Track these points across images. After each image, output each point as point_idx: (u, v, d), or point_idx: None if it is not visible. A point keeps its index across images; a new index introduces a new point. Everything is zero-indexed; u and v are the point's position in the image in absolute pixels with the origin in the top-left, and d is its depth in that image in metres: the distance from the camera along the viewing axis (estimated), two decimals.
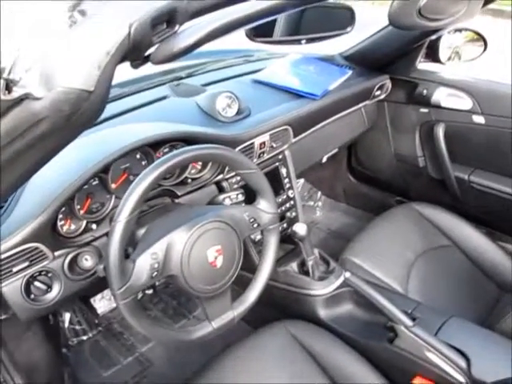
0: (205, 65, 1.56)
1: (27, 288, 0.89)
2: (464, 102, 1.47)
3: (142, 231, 0.88)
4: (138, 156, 1.03)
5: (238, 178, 1.20)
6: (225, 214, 0.88)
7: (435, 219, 1.43)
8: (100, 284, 0.88)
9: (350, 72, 1.52)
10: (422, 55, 1.55)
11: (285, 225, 1.38)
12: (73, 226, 0.95)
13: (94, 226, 0.98)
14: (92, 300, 1.57)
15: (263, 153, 1.25)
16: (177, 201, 1.11)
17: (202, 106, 1.22)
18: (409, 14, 0.99)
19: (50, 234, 0.87)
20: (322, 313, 1.15)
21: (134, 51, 0.42)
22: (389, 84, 1.62)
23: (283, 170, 1.36)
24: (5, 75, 0.41)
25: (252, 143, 1.20)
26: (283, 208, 1.37)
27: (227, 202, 1.12)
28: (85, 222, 0.96)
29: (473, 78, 1.49)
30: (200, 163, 1.16)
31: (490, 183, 1.48)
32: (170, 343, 0.87)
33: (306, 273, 1.18)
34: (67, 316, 1.54)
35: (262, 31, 1.22)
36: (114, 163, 0.95)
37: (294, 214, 1.41)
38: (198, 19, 0.47)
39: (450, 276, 1.32)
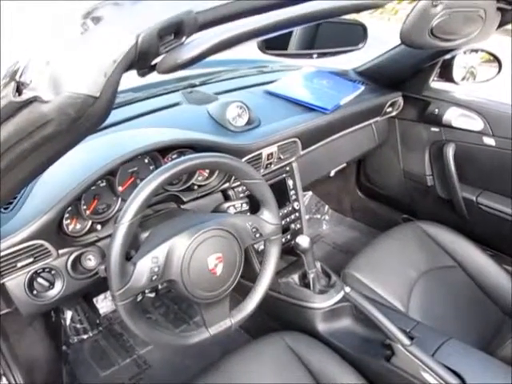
0: (219, 73, 1.58)
1: (30, 284, 0.90)
2: (475, 123, 1.46)
3: (145, 235, 0.90)
4: (146, 160, 1.05)
5: (244, 187, 1.21)
6: (227, 223, 0.88)
7: (440, 239, 1.42)
8: (103, 284, 0.90)
9: (362, 87, 1.53)
10: (435, 74, 1.55)
11: (289, 236, 1.38)
12: (78, 226, 0.97)
13: (98, 227, 0.99)
14: (95, 300, 1.58)
15: (270, 164, 1.26)
16: (182, 207, 1.12)
17: (212, 115, 1.23)
18: (421, 33, 1.00)
19: (55, 232, 0.89)
20: (321, 326, 1.15)
21: (140, 60, 0.43)
22: (401, 101, 1.62)
23: (290, 182, 1.37)
24: (16, 78, 0.43)
25: (260, 154, 1.21)
26: (288, 219, 1.37)
27: (231, 210, 1.13)
28: (90, 223, 0.98)
29: (485, 100, 1.48)
30: (207, 171, 1.17)
31: (498, 206, 1.47)
32: (165, 346, 0.87)
33: (307, 285, 1.18)
34: (69, 314, 1.56)
35: (276, 44, 1.24)
36: (122, 166, 0.96)
37: (298, 226, 1.41)
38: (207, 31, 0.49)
39: (453, 297, 1.30)
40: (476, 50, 1.51)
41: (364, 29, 1.30)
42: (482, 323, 1.26)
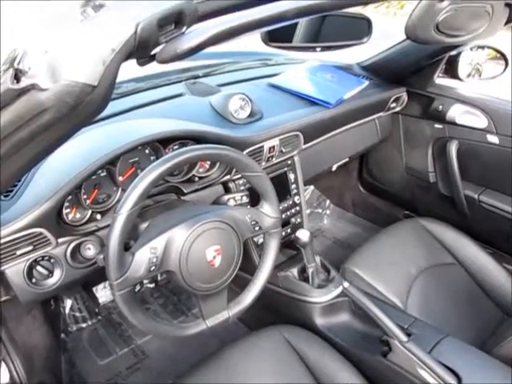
0: (223, 65, 1.57)
1: (29, 272, 0.91)
2: (479, 121, 1.45)
3: (144, 225, 0.90)
4: (147, 151, 1.05)
5: (245, 180, 1.21)
6: (227, 215, 0.88)
7: (441, 236, 1.42)
8: (102, 274, 0.90)
9: (366, 82, 1.52)
10: (440, 70, 1.54)
11: (289, 230, 1.38)
12: (78, 215, 0.97)
13: (98, 217, 0.99)
14: (94, 289, 1.59)
15: (272, 157, 1.26)
16: (183, 198, 1.12)
17: (214, 106, 1.23)
18: (426, 29, 0.99)
19: (55, 221, 0.89)
20: (319, 320, 1.15)
21: (139, 50, 0.43)
22: (405, 97, 1.61)
23: (291, 176, 1.36)
24: (15, 65, 0.43)
25: (261, 146, 1.20)
26: (288, 213, 1.37)
27: (231, 202, 1.13)
28: (90, 212, 0.98)
29: (490, 97, 1.47)
30: (208, 162, 1.17)
31: (500, 204, 1.46)
32: (161, 337, 0.88)
33: (306, 279, 1.18)
34: (69, 302, 1.57)
35: (280, 36, 1.23)
36: (122, 156, 0.96)
37: (298, 220, 1.41)
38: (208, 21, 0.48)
39: (452, 294, 1.30)
40: (482, 47, 1.49)
41: (369, 23, 1.28)
42: (480, 321, 1.26)
